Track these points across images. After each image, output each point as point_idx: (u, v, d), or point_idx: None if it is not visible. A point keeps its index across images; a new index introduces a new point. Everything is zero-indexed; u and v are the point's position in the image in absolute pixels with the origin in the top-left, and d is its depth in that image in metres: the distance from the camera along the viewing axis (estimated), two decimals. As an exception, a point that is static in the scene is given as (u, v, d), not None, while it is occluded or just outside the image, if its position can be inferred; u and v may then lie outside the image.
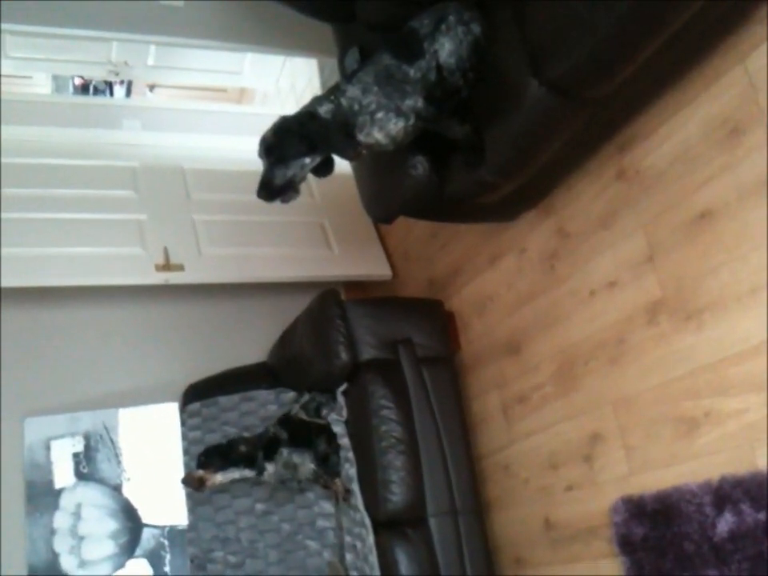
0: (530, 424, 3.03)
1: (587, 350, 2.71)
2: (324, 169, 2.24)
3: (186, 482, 3.20)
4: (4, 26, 3.30)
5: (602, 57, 2.00)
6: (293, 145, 2.11)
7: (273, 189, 2.12)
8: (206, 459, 3.19)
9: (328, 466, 3.21)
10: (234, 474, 3.19)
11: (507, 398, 3.18)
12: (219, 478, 3.17)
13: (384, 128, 2.20)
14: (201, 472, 3.16)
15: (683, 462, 2.30)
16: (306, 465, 3.19)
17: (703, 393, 2.23)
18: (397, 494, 2.98)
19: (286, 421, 3.33)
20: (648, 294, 2.43)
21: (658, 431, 2.40)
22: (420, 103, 2.22)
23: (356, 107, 2.17)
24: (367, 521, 3.00)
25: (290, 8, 2.95)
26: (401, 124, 2.21)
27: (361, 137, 2.19)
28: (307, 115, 2.16)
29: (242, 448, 3.22)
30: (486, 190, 2.56)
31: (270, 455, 3.19)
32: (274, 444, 3.21)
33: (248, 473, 3.19)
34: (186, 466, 3.44)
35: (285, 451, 3.19)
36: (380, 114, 2.17)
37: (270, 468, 3.18)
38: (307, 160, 2.13)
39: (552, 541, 2.90)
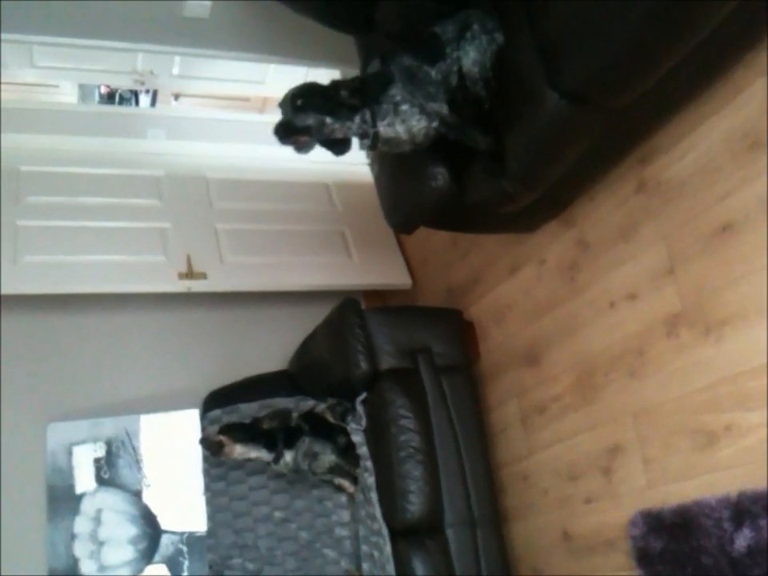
0: (549, 434, 3.02)
1: (607, 361, 2.70)
2: (340, 147, 2.25)
3: (205, 442, 3.20)
4: (32, 38, 3.37)
5: (619, 68, 2.00)
6: (317, 101, 2.14)
7: (292, 127, 2.12)
8: (228, 429, 3.21)
9: (348, 457, 3.22)
10: (252, 452, 3.19)
11: (526, 407, 3.17)
12: (238, 449, 3.17)
13: (406, 122, 2.21)
14: (221, 437, 3.16)
15: (702, 475, 2.29)
16: (327, 455, 3.19)
17: (723, 406, 2.22)
18: (415, 504, 2.97)
19: (308, 416, 3.34)
20: (668, 305, 2.42)
21: (677, 444, 2.38)
22: (444, 109, 2.23)
23: (381, 96, 2.19)
24: (385, 530, 3.00)
25: (313, 20, 2.98)
26: (423, 123, 2.22)
27: (381, 126, 2.20)
28: (333, 85, 2.20)
29: (265, 424, 3.22)
30: (507, 199, 2.57)
31: (291, 443, 3.19)
32: (297, 433, 3.22)
33: (266, 455, 3.19)
34: (206, 473, 3.46)
35: (307, 439, 3.19)
36: (404, 107, 2.19)
37: (287, 456, 3.17)
38: (328, 120, 2.14)
39: (570, 552, 2.89)
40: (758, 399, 2.11)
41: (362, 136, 2.23)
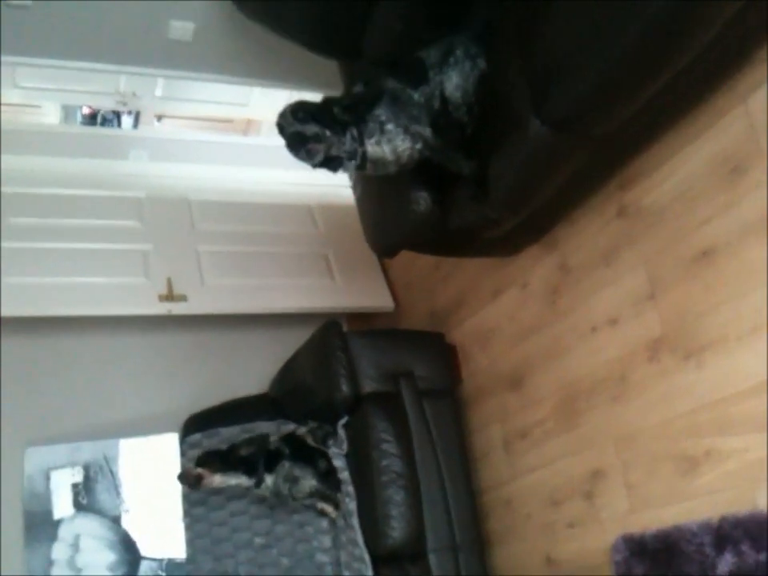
0: (532, 459, 3.01)
1: (589, 385, 2.71)
2: (335, 163, 2.26)
3: (183, 478, 3.15)
4: (15, 59, 3.36)
5: (601, 95, 2.02)
6: (315, 115, 2.17)
7: (303, 137, 2.14)
8: (206, 458, 3.16)
9: (329, 481, 3.19)
10: (232, 479, 3.14)
11: (509, 432, 3.16)
12: (217, 479, 3.12)
13: (392, 141, 2.22)
14: (199, 470, 3.11)
15: (684, 500, 2.29)
16: (308, 480, 3.16)
17: (704, 431, 2.22)
18: (396, 529, 2.95)
19: (289, 439, 3.31)
20: (649, 330, 2.43)
21: (659, 469, 2.39)
22: (428, 132, 2.24)
23: (366, 115, 2.20)
24: (366, 556, 2.98)
25: (297, 45, 2.99)
26: (408, 144, 2.24)
27: (369, 145, 2.21)
28: (325, 101, 2.23)
29: (243, 451, 3.19)
30: (490, 224, 2.58)
31: (271, 467, 3.16)
32: (277, 456, 3.18)
33: (246, 480, 3.15)
34: (185, 498, 3.41)
35: (287, 464, 3.16)
36: (390, 126, 2.21)
37: (268, 480, 3.14)
38: (327, 132, 2.16)
39: (553, 578, 2.88)
40: (738, 424, 2.12)
41: (350, 156, 2.24)
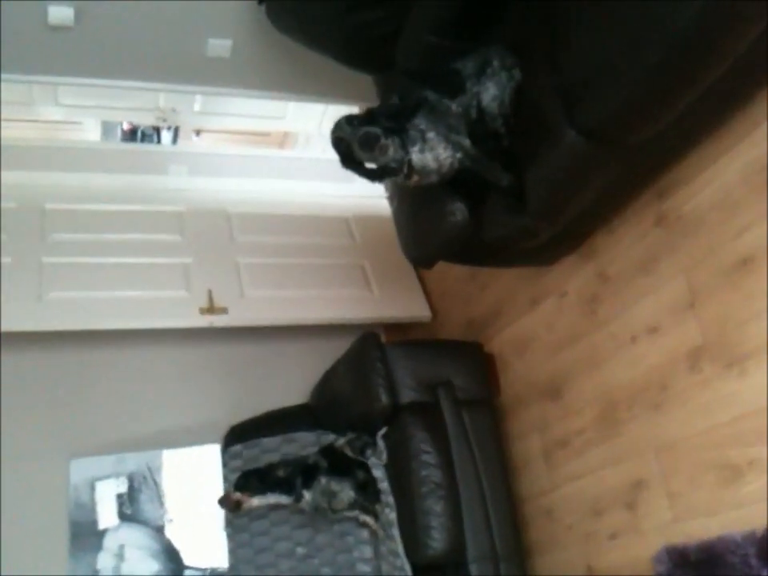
0: (573, 469, 3.00)
1: (630, 394, 2.69)
2: (379, 174, 2.27)
3: (223, 502, 3.20)
4: (57, 79, 3.44)
5: (635, 105, 2.01)
6: (366, 123, 2.17)
7: (375, 134, 2.14)
8: (244, 482, 3.20)
9: (367, 492, 3.21)
10: (270, 498, 3.18)
11: (549, 441, 3.15)
12: (256, 501, 3.17)
13: (434, 150, 2.23)
14: (238, 494, 3.16)
15: (727, 510, 2.26)
16: (346, 492, 3.17)
17: (747, 440, 2.20)
18: (437, 540, 2.96)
19: (327, 451, 3.34)
20: (690, 339, 2.41)
21: (702, 478, 2.36)
22: (467, 142, 2.25)
23: (407, 124, 2.21)
24: (407, 566, 2.99)
25: (332, 60, 3.02)
26: (449, 152, 2.24)
27: (413, 153, 2.21)
28: (368, 111, 2.24)
29: (281, 472, 3.22)
30: (526, 235, 2.58)
31: (308, 482, 3.19)
32: (313, 471, 3.21)
33: (285, 499, 3.18)
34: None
35: (323, 479, 3.18)
36: (431, 135, 2.21)
37: (307, 495, 3.17)
38: (388, 141, 2.16)
39: (595, 589, 2.86)
40: (783, 433, 2.10)
41: (398, 164, 2.22)
